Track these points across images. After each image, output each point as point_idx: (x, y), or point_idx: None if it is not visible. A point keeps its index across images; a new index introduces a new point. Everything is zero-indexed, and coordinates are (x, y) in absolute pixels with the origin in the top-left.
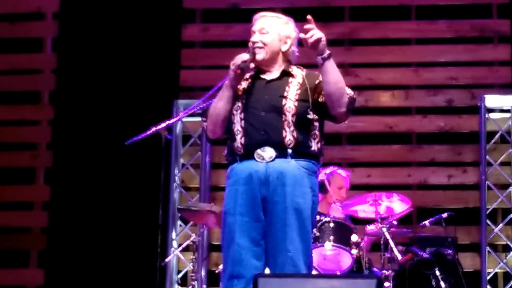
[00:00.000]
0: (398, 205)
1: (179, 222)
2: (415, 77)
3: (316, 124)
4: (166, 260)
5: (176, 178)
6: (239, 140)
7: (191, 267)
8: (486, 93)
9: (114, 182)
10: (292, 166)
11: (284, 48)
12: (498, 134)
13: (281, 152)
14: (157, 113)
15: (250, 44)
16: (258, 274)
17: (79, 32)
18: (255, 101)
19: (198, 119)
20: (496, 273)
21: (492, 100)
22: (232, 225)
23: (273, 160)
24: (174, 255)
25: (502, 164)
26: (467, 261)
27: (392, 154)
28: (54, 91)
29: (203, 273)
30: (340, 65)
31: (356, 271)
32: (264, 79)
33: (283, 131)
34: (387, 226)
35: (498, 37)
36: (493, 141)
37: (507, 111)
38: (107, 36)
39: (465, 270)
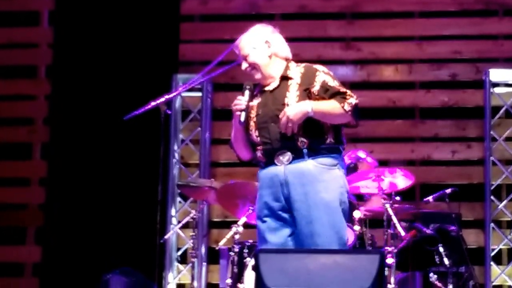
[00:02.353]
0: (401, 180)
1: (178, 199)
2: (418, 51)
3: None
4: (166, 237)
5: (176, 154)
6: (260, 151)
7: (191, 244)
8: (490, 67)
9: (112, 158)
10: (309, 164)
11: (269, 52)
12: (503, 109)
13: (298, 154)
14: (156, 87)
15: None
16: (259, 250)
17: (76, 6)
18: (263, 115)
19: (198, 93)
20: (500, 250)
21: (496, 74)
22: (262, 227)
23: (290, 162)
24: (174, 232)
25: (507, 139)
26: (471, 238)
27: (395, 129)
28: (51, 66)
29: (203, 250)
30: (342, 39)
31: (359, 247)
32: (268, 90)
33: (294, 136)
34: (390, 202)
35: (503, 10)
36: (497, 116)
37: None
38: (105, 10)
39: (469, 246)
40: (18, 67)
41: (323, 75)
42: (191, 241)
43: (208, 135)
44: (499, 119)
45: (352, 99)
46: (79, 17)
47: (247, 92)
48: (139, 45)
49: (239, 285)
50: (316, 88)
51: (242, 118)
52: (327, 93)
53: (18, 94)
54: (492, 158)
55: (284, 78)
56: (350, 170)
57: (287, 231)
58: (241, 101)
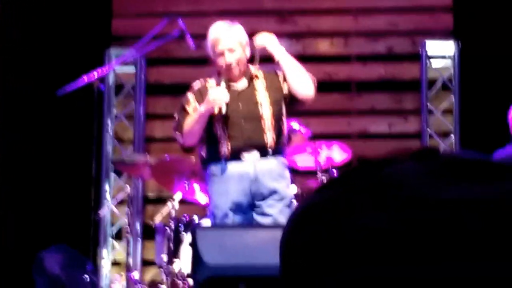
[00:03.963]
0: (338, 154)
1: (112, 175)
2: (354, 24)
3: (285, 121)
4: (100, 213)
5: (109, 129)
6: (225, 145)
7: (126, 221)
8: (427, 40)
9: (45, 134)
10: (274, 163)
11: (247, 53)
12: (439, 82)
13: (264, 152)
14: (89, 63)
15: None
16: (196, 226)
17: None
18: (233, 110)
19: (132, 68)
20: None
21: (433, 47)
22: (228, 221)
23: (259, 160)
24: (108, 208)
25: (444, 112)
26: None
27: (331, 103)
28: None
29: (138, 226)
30: (277, 12)
31: None
32: (236, 89)
33: (264, 135)
34: (327, 176)
35: None
36: (434, 88)
37: (449, 58)
38: None
39: None
40: None
41: (281, 74)
42: (126, 217)
43: (142, 110)
44: (436, 91)
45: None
46: None
47: (223, 84)
48: (70, 20)
49: (174, 261)
50: (285, 87)
51: (224, 110)
52: None
53: None
54: (429, 131)
55: (251, 79)
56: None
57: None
58: (223, 93)
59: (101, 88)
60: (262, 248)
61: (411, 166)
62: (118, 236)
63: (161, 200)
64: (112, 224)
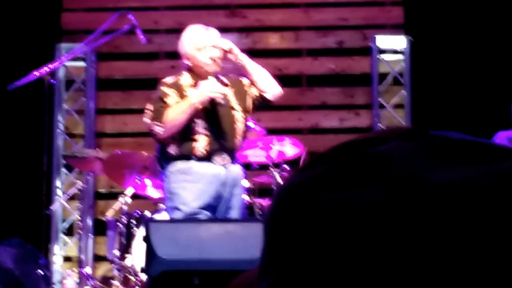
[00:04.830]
0: (289, 149)
1: (64, 170)
2: (304, 18)
3: None
4: (51, 208)
5: (60, 124)
6: (203, 144)
7: (77, 216)
8: (377, 34)
9: None
10: (239, 170)
11: None
12: (391, 76)
13: (233, 157)
14: (39, 57)
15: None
16: (149, 219)
17: None
18: (212, 110)
19: (82, 63)
20: None
21: (384, 41)
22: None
23: (229, 165)
24: (59, 203)
25: (395, 106)
26: None
27: (282, 98)
28: None
29: (89, 221)
30: (227, 6)
31: (249, 217)
32: None
33: (235, 139)
34: (279, 170)
35: None
36: (385, 83)
37: (400, 52)
38: None
39: None
40: None
41: (244, 80)
42: (78, 212)
43: (92, 105)
44: (387, 86)
45: None
46: None
47: (213, 79)
48: (20, 14)
49: (127, 256)
50: (253, 91)
51: (223, 101)
52: None
53: None
54: (380, 125)
55: (222, 84)
56: None
57: None
58: (218, 86)
59: (51, 83)
60: (216, 242)
61: (399, 144)
62: (69, 231)
63: (112, 195)
64: (64, 220)
